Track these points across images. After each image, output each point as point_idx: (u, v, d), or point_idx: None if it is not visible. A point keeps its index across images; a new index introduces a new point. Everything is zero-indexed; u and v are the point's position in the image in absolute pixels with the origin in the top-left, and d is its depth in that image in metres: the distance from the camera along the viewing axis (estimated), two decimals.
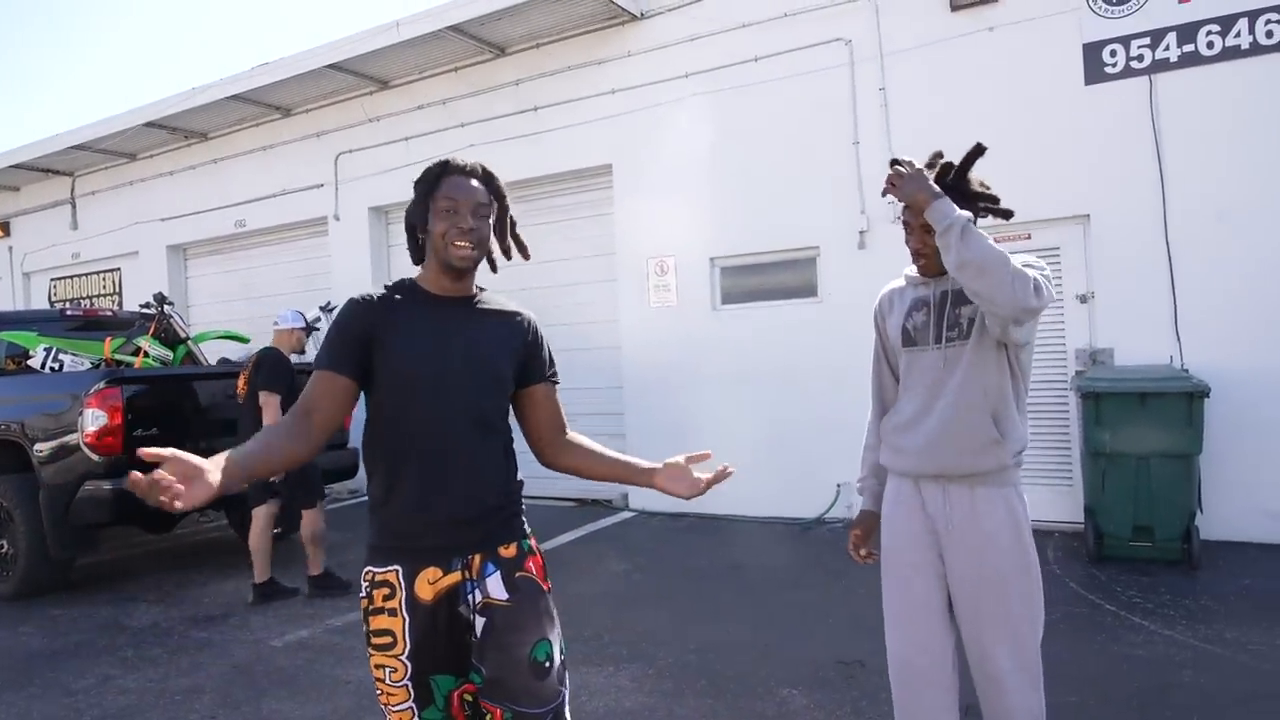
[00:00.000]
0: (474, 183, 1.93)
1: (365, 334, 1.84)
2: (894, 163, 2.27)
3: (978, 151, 2.35)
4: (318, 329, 7.32)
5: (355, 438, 7.12)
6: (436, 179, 1.93)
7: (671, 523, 7.15)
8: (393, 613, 1.82)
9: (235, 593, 5.60)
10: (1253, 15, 5.57)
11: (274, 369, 5.28)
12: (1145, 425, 5.00)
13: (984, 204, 2.37)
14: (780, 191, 7.06)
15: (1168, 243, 5.78)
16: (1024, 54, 6.20)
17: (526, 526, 1.98)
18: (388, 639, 1.82)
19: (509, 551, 1.90)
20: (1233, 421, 5.50)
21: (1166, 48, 5.79)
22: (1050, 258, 6.17)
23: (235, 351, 9.19)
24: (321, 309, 8.53)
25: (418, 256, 1.99)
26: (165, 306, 7.61)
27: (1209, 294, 5.68)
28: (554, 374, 2.08)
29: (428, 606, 1.82)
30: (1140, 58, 5.87)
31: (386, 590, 1.83)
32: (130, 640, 4.72)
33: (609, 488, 7.91)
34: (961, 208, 2.23)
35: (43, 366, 6.61)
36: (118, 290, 12.12)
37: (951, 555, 2.27)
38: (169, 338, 7.54)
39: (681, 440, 7.38)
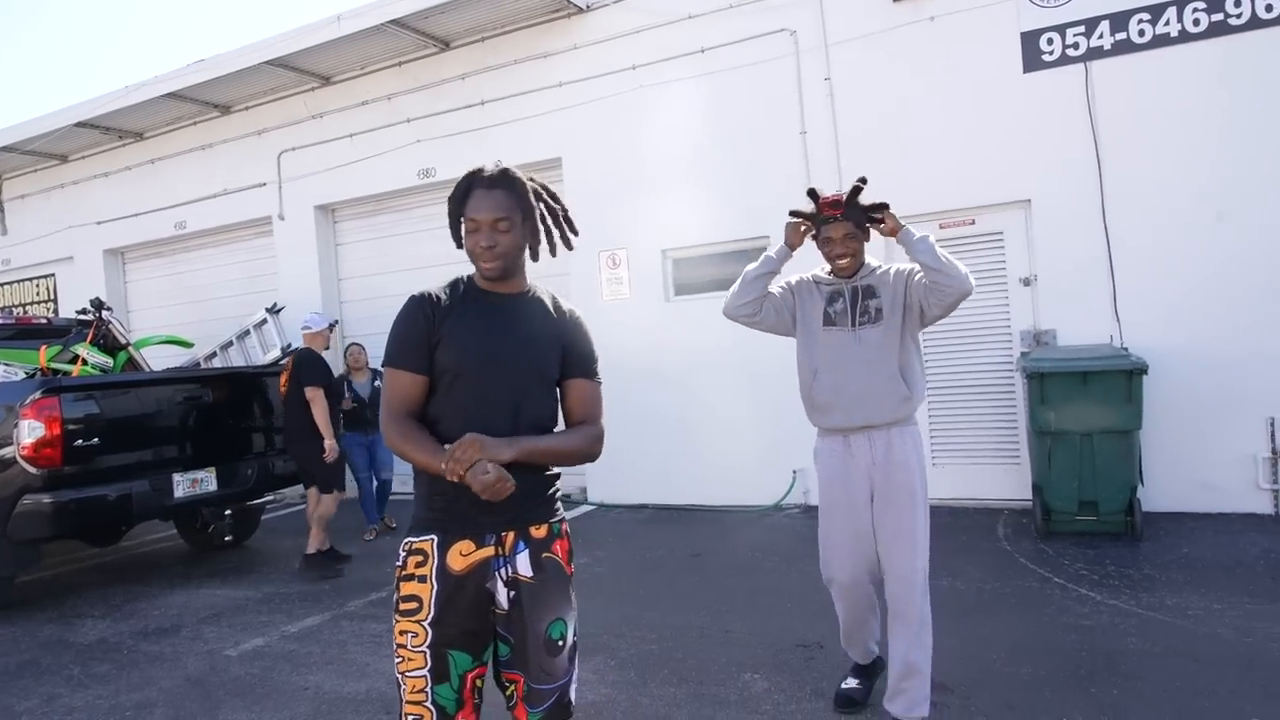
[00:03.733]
0: (495, 196, 2.03)
1: (428, 331, 1.98)
2: (856, 189, 3.02)
3: (862, 182, 3.02)
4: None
5: None
6: (464, 196, 2.05)
7: (631, 515, 7.17)
8: (422, 579, 1.94)
9: (186, 604, 5.47)
10: (1180, 3, 5.75)
11: (314, 367, 5.97)
12: (1088, 403, 5.16)
13: (871, 215, 3.01)
14: (730, 182, 7.10)
15: (1105, 226, 5.96)
16: (964, 43, 6.32)
17: (560, 510, 2.10)
18: (414, 604, 1.94)
19: (540, 532, 2.02)
20: (1170, 398, 5.70)
21: (1100, 35, 5.96)
22: (993, 242, 6.32)
23: (182, 357, 8.99)
24: (268, 310, 8.39)
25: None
26: (104, 312, 7.39)
27: (1145, 275, 5.86)
28: (594, 370, 2.16)
29: (457, 577, 1.94)
30: (1076, 45, 6.02)
31: (420, 558, 1.96)
32: (76, 657, 4.58)
33: (568, 483, 7.88)
34: (864, 223, 3.02)
35: None
36: (52, 297, 11.72)
37: (879, 483, 3.02)
38: (109, 344, 7.33)
39: (638, 434, 7.46)
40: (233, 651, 4.47)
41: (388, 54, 8.44)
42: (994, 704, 3.16)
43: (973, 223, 6.29)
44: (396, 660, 1.96)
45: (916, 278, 2.99)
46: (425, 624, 1.92)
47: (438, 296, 2.02)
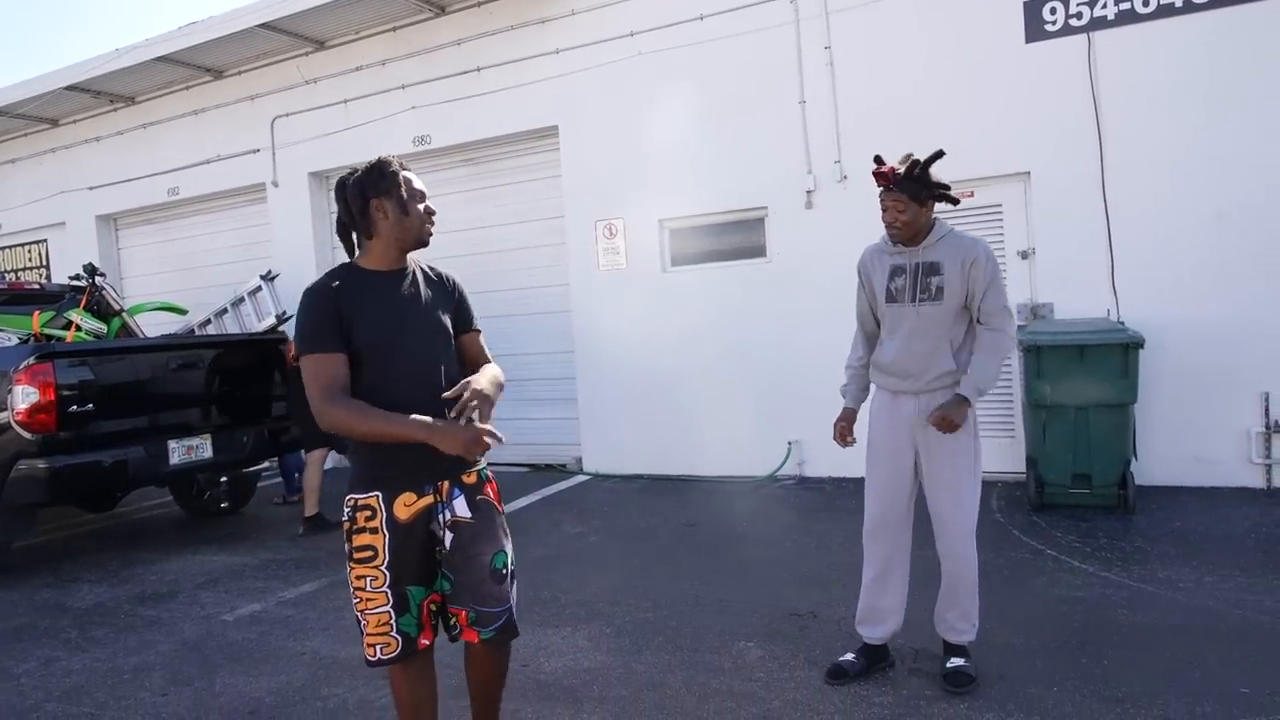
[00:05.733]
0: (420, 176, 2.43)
1: (337, 316, 2.17)
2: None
3: (938, 155, 3.05)
4: (286, 317, 7.33)
5: None
6: (395, 175, 2.28)
7: (626, 485, 7.18)
8: (374, 530, 2.21)
9: (183, 570, 5.48)
10: None
11: None
12: (1083, 377, 5.15)
13: (938, 191, 3.04)
14: (728, 152, 7.03)
15: (1105, 199, 5.92)
16: (966, 12, 6.23)
17: (482, 460, 2.34)
18: (369, 553, 2.21)
19: (470, 479, 2.32)
20: (1165, 371, 5.71)
21: (1104, 5, 5.87)
22: (992, 215, 6.28)
23: (176, 324, 8.93)
24: (262, 278, 8.32)
25: (354, 247, 2.35)
26: (97, 278, 7.33)
27: (1144, 249, 5.83)
28: (476, 321, 2.48)
29: (405, 526, 2.21)
30: (1079, 15, 5.94)
31: (368, 513, 2.22)
32: (74, 621, 4.59)
33: (564, 453, 7.91)
34: (921, 195, 3.01)
35: None
36: (44, 263, 11.62)
37: (922, 438, 3.15)
38: (102, 310, 7.27)
39: (634, 404, 7.46)
40: (229, 616, 4.48)
41: (382, 18, 8.30)
42: (986, 674, 3.18)
43: (972, 194, 6.23)
44: (355, 601, 2.25)
45: (973, 272, 3.07)
46: (383, 568, 2.20)
47: (333, 285, 2.21)
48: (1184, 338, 5.71)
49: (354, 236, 2.32)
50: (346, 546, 2.24)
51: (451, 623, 2.31)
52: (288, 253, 9.19)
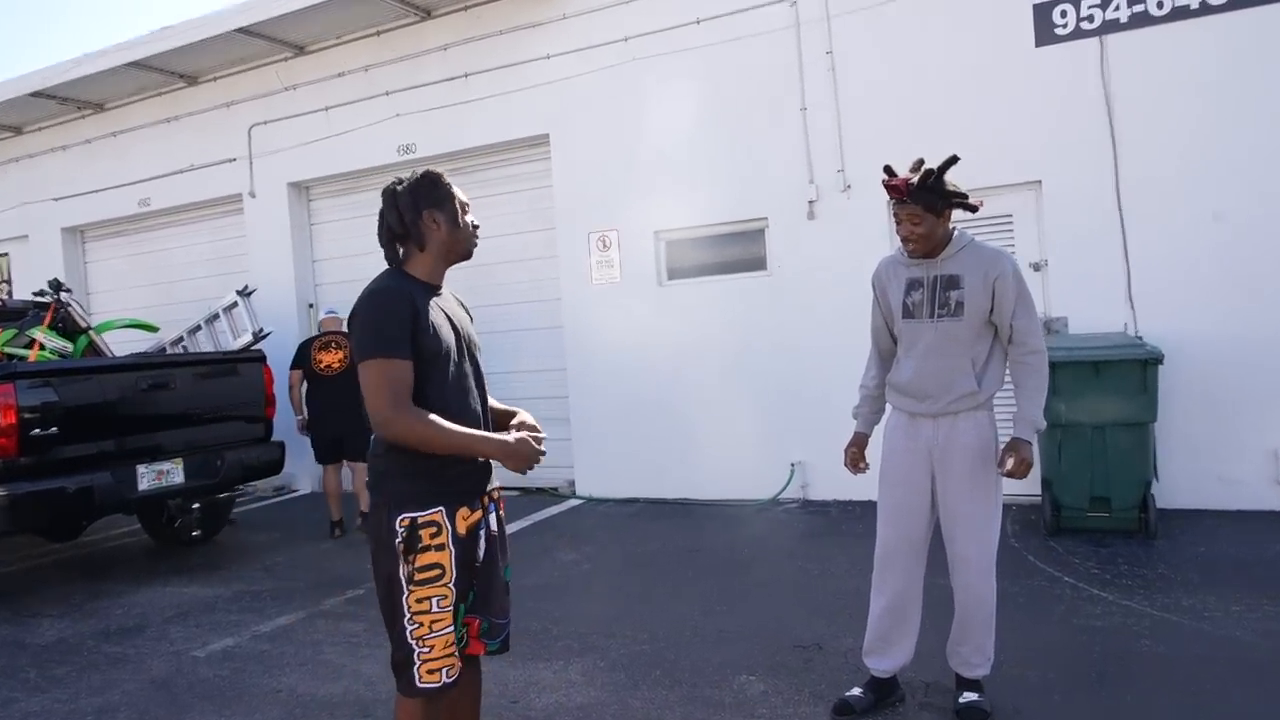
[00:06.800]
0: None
1: (413, 319, 2.23)
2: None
3: (952, 161, 3.02)
4: (263, 335, 7.50)
5: (278, 431, 6.99)
6: (448, 187, 2.41)
7: (621, 509, 7.15)
8: (440, 547, 2.24)
9: (151, 603, 5.43)
10: None
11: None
12: (1100, 394, 5.16)
13: (956, 200, 3.02)
14: (726, 161, 7.06)
15: (1120, 209, 5.95)
16: (973, 15, 6.29)
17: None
18: (436, 572, 2.23)
19: (496, 494, 2.47)
20: (1186, 388, 5.71)
21: (1116, 8, 5.93)
22: (1002, 225, 6.31)
23: (146, 342, 8.90)
24: (238, 293, 8.30)
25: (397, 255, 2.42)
26: (62, 294, 7.29)
27: (1161, 260, 5.86)
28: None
29: (463, 540, 2.29)
30: (1090, 18, 6.00)
31: (433, 529, 2.24)
32: (33, 659, 4.53)
33: (555, 476, 7.88)
34: (938, 205, 2.98)
35: None
36: (7, 278, 11.58)
37: (939, 465, 3.11)
38: (68, 328, 7.24)
39: (629, 424, 7.45)
40: (200, 652, 4.43)
41: (365, 22, 8.34)
42: (1001, 708, 3.16)
43: (981, 204, 6.25)
44: (414, 626, 2.22)
45: (999, 288, 3.01)
46: (450, 585, 2.25)
47: (403, 286, 2.28)
48: (1206, 352, 5.72)
49: (398, 246, 2.39)
50: (404, 569, 2.21)
51: (460, 635, 2.35)
52: (265, 267, 9.18)
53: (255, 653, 4.37)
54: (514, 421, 2.43)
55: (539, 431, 2.39)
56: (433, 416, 2.20)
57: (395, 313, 2.21)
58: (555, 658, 3.99)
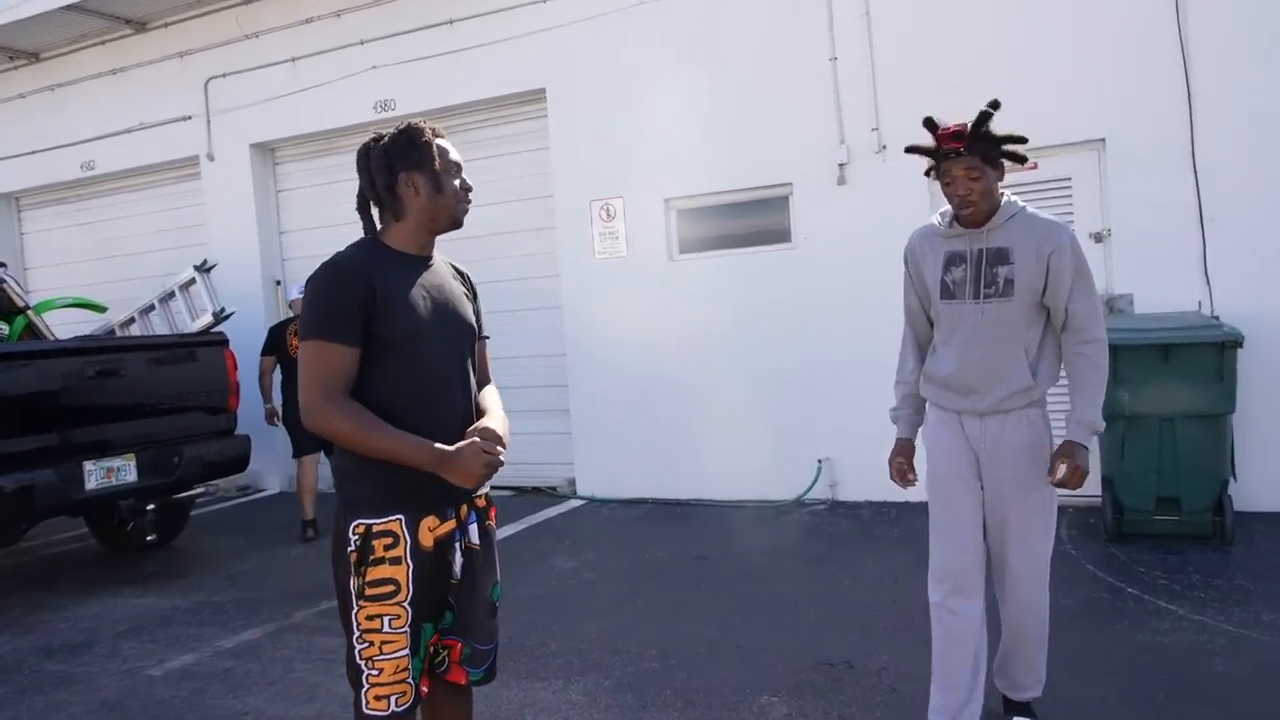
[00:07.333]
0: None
1: (366, 300, 2.16)
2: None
3: (996, 105, 2.87)
4: (224, 315, 7.57)
5: (244, 424, 7.03)
6: (429, 142, 2.32)
7: (626, 510, 7.19)
8: (396, 561, 2.19)
9: (101, 616, 5.48)
10: None
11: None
12: (1170, 382, 5.15)
13: (1009, 148, 2.88)
14: (746, 119, 7.04)
15: (1195, 170, 5.92)
16: None
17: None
18: (389, 587, 2.19)
19: (481, 502, 2.40)
20: (1269, 376, 5.70)
21: None
22: (1060, 190, 6.29)
23: (93, 323, 8.95)
24: (196, 268, 8.33)
25: (374, 223, 2.38)
26: None
27: (1242, 229, 5.83)
28: (484, 329, 2.57)
29: (427, 554, 2.22)
30: None
31: (389, 539, 2.19)
32: None
33: (554, 475, 7.92)
34: (994, 156, 2.85)
35: None
36: None
37: (986, 469, 3.03)
38: (2, 308, 7.28)
39: (636, 416, 7.47)
40: (157, 671, 4.47)
41: None
42: None
43: (1036, 166, 6.22)
44: (363, 645, 2.20)
45: (1055, 264, 2.87)
46: (405, 604, 2.19)
47: (364, 261, 2.22)
48: None
49: (375, 212, 2.35)
50: (354, 582, 2.20)
51: (439, 658, 2.34)
52: (226, 239, 9.21)
53: (218, 671, 4.41)
54: (472, 426, 2.27)
55: (498, 442, 2.23)
56: (363, 413, 2.14)
57: (346, 291, 2.15)
58: (554, 676, 4.02)
